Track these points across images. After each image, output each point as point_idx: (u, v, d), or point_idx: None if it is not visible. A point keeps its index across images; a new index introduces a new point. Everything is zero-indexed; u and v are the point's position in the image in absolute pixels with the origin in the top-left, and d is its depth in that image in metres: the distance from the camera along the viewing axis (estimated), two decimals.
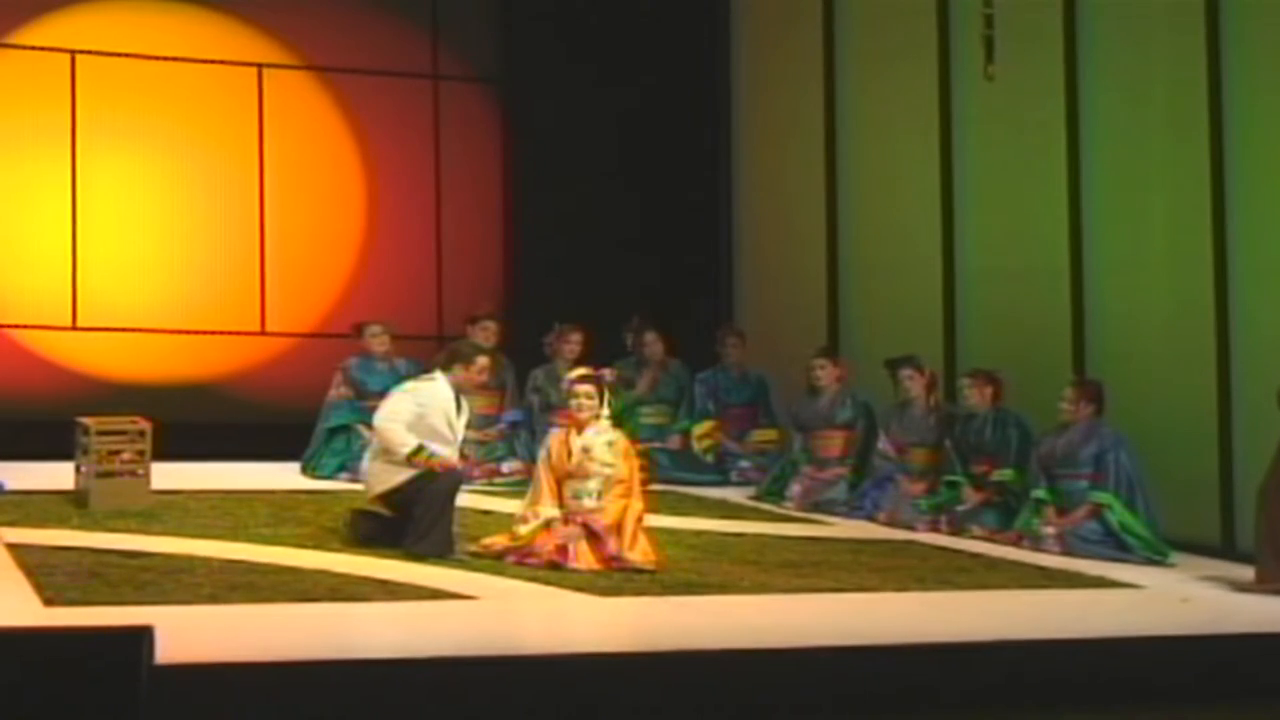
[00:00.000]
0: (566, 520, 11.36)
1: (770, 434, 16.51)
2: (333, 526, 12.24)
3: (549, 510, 11.47)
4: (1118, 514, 12.91)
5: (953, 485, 14.04)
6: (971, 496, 13.89)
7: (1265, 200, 13.12)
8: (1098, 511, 12.97)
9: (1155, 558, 12.72)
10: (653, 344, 16.64)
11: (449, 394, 11.77)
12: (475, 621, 9.84)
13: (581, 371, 12.38)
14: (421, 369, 13.57)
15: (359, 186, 18.38)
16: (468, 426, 12.31)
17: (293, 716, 7.84)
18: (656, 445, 15.91)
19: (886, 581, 11.51)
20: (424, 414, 11.63)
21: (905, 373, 14.57)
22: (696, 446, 16.40)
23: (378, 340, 15.68)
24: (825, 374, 15.35)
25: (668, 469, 15.82)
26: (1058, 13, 14.72)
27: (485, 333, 15.41)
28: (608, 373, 12.19)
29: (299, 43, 18.23)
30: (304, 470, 15.43)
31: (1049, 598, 11.34)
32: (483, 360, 12.16)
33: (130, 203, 17.59)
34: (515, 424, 15.64)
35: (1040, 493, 13.28)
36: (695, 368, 16.77)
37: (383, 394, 12.59)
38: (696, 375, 16.70)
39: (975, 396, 14.08)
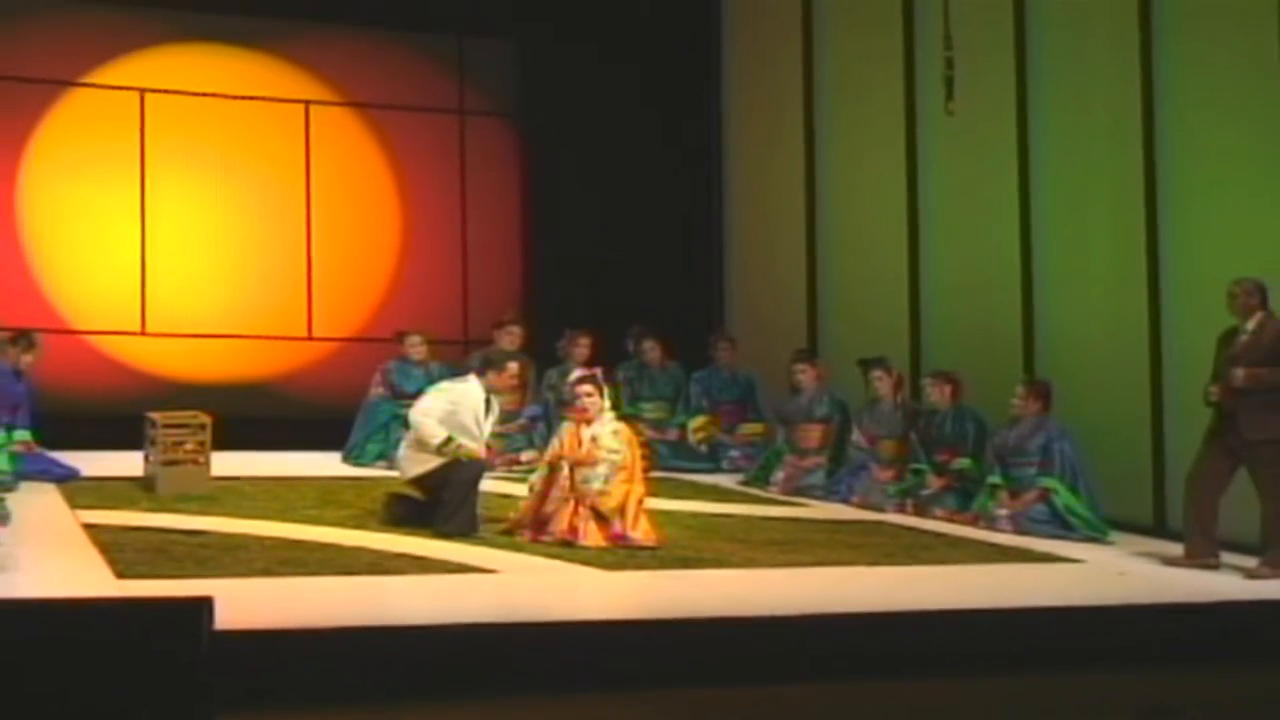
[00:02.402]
0: (576, 500, 11.36)
1: (757, 427, 16.51)
2: (371, 509, 12.21)
3: (543, 471, 11.57)
4: (1063, 497, 12.90)
5: (918, 473, 14.03)
6: (934, 482, 13.87)
7: (1192, 222, 13.12)
8: (1045, 495, 12.96)
9: (1096, 536, 12.71)
10: (651, 350, 16.67)
11: (480, 395, 11.77)
12: (497, 592, 9.85)
13: (579, 374, 12.49)
14: (454, 372, 13.56)
15: (394, 208, 18.39)
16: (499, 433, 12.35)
17: (336, 677, 7.84)
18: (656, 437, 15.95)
19: (860, 557, 11.50)
20: (455, 411, 11.64)
21: (875, 374, 14.58)
22: (692, 439, 16.41)
23: (415, 349, 15.71)
24: (805, 375, 15.35)
25: (666, 458, 15.81)
26: (1009, 57, 14.73)
27: (510, 337, 15.41)
28: (599, 371, 12.26)
29: (342, 82, 18.25)
30: (346, 459, 15.43)
31: (1002, 571, 11.32)
32: (513, 366, 12.20)
33: (192, 223, 17.61)
34: (534, 418, 15.62)
35: (994, 479, 13.27)
36: (691, 368, 16.79)
37: (417, 394, 12.59)
38: (692, 375, 16.72)
39: (936, 394, 14.08)
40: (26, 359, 13.73)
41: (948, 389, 14.04)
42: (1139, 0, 13.53)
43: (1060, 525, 12.81)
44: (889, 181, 16.16)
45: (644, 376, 16.63)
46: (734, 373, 16.82)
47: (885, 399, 14.58)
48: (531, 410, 15.70)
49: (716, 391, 16.70)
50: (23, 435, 13.30)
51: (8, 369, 13.28)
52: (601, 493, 11.32)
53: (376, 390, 15.61)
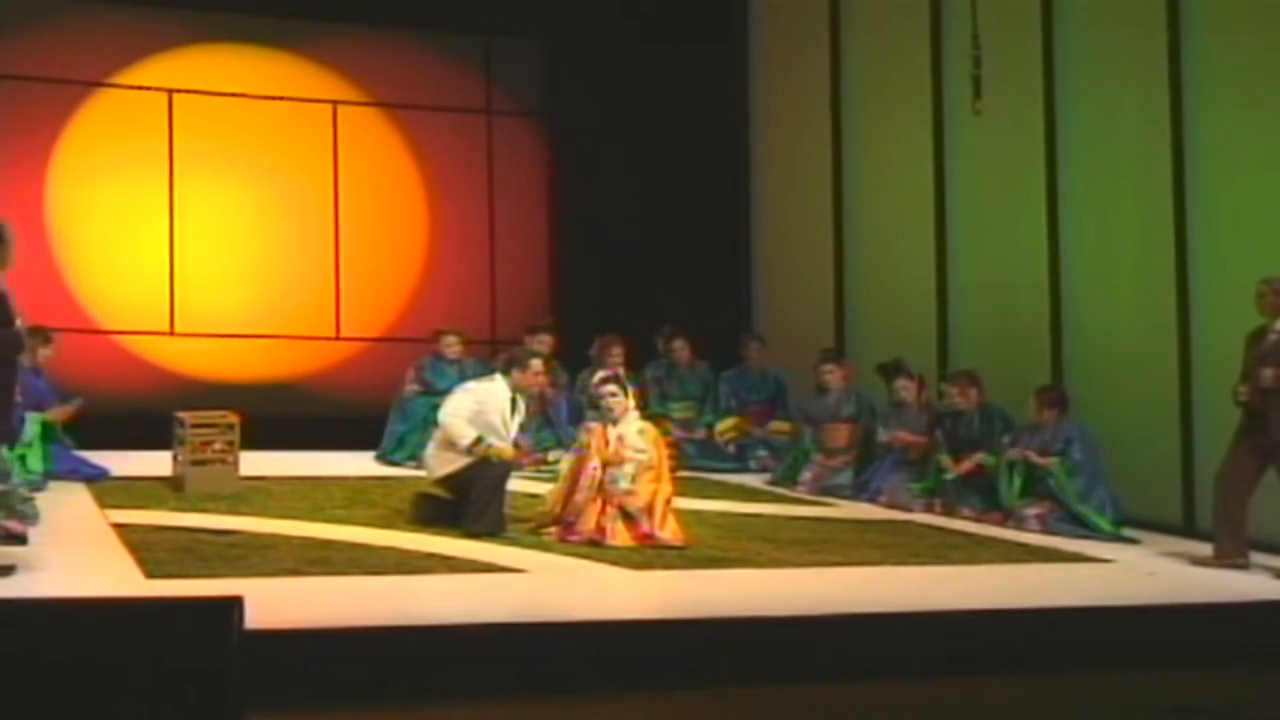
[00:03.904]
0: (603, 500, 11.37)
1: (784, 426, 16.52)
2: (399, 508, 12.23)
3: (571, 461, 11.65)
4: (1058, 480, 12.94)
5: (940, 468, 13.98)
6: (952, 466, 13.82)
7: (1221, 221, 13.09)
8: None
9: (1095, 525, 12.69)
10: (680, 350, 16.70)
11: (506, 394, 11.77)
12: (525, 592, 9.86)
13: (602, 374, 12.50)
14: (488, 370, 13.56)
15: (422, 208, 18.43)
16: (521, 426, 12.31)
17: (364, 676, 7.85)
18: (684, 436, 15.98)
19: (887, 557, 11.49)
20: (482, 410, 11.65)
21: (900, 383, 14.52)
22: (721, 439, 16.43)
23: (451, 349, 15.75)
24: (833, 376, 15.34)
25: (694, 457, 15.84)
26: (1038, 55, 14.71)
27: (541, 344, 15.38)
28: (621, 370, 12.31)
29: (369, 82, 18.29)
30: (380, 457, 15.47)
31: (1031, 571, 11.29)
32: (537, 364, 12.17)
33: (221, 223, 17.66)
34: (559, 414, 15.70)
35: (1010, 454, 13.26)
36: (719, 368, 16.80)
37: (449, 391, 12.60)
38: (722, 374, 16.74)
39: (960, 398, 14.00)
40: (45, 352, 13.73)
41: (971, 392, 13.99)
42: None
43: (1084, 525, 12.78)
44: (916, 181, 16.15)
45: (672, 376, 16.67)
46: (764, 373, 16.82)
47: (910, 403, 14.55)
48: (559, 409, 15.75)
49: (745, 392, 16.70)
50: (36, 416, 13.14)
51: (27, 367, 13.28)
52: (629, 492, 11.33)
53: (411, 387, 15.65)
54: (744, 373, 16.82)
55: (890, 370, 14.69)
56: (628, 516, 11.30)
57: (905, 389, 14.54)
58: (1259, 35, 12.83)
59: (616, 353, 15.73)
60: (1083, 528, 12.73)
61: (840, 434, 15.18)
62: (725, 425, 16.49)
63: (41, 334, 13.74)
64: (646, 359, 16.39)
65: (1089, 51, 14.40)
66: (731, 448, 16.42)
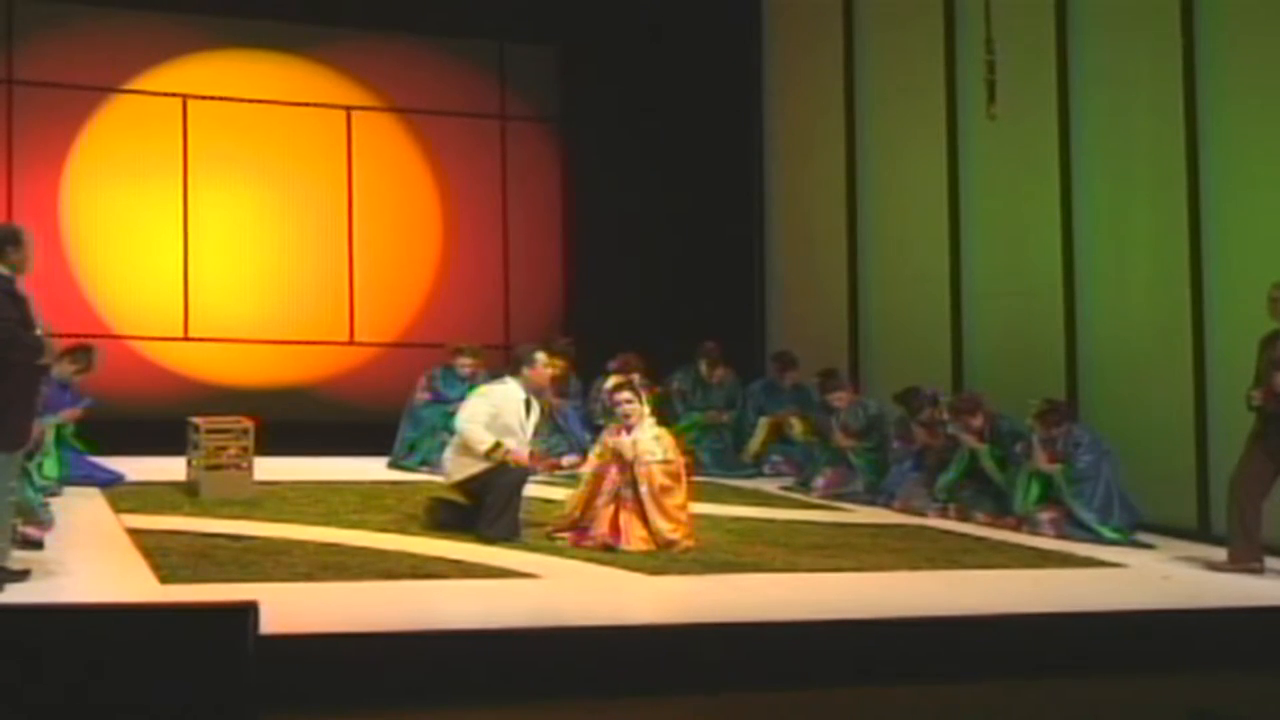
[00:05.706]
0: (617, 505, 11.38)
1: (798, 423, 16.50)
2: (413, 513, 12.25)
3: (586, 477, 11.68)
4: (1056, 484, 12.96)
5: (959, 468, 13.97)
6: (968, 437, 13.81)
7: (1235, 225, 13.09)
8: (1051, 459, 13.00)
9: (1092, 524, 12.68)
10: (718, 374, 16.71)
11: (520, 396, 11.78)
12: (539, 597, 9.84)
13: (617, 380, 12.46)
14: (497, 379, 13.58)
15: (436, 214, 18.45)
16: (535, 427, 12.29)
17: (379, 681, 7.86)
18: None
19: (901, 562, 11.47)
20: (498, 414, 11.65)
21: (924, 415, 14.43)
22: (753, 447, 16.48)
23: (465, 368, 15.67)
24: (840, 399, 15.35)
25: (709, 464, 15.87)
26: (1051, 60, 14.72)
27: (555, 366, 15.34)
28: (636, 376, 12.28)
29: (384, 88, 18.33)
30: (391, 464, 15.49)
31: (1045, 576, 11.26)
32: (542, 356, 12.09)
33: (235, 228, 17.69)
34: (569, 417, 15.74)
35: (1025, 465, 13.25)
36: (737, 376, 16.85)
37: (460, 400, 12.62)
38: (749, 387, 16.82)
39: (965, 431, 13.88)
40: (76, 380, 13.69)
41: (974, 421, 13.84)
42: (1181, 3, 13.49)
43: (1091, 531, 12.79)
44: (930, 187, 16.15)
45: (697, 387, 16.70)
46: (794, 387, 16.83)
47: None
48: (571, 413, 15.77)
49: (772, 406, 16.75)
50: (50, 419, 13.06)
51: (54, 378, 13.25)
52: (646, 494, 11.31)
53: (421, 395, 15.67)
54: (771, 385, 16.91)
55: (909, 400, 14.62)
56: (643, 521, 11.30)
57: (929, 417, 14.46)
58: (1275, 38, 12.82)
59: (638, 372, 15.68)
60: (1091, 532, 12.72)
61: (853, 445, 15.13)
62: (754, 445, 16.56)
63: (85, 359, 13.67)
64: (663, 367, 16.34)
65: (1103, 55, 14.40)
66: (749, 458, 16.50)
